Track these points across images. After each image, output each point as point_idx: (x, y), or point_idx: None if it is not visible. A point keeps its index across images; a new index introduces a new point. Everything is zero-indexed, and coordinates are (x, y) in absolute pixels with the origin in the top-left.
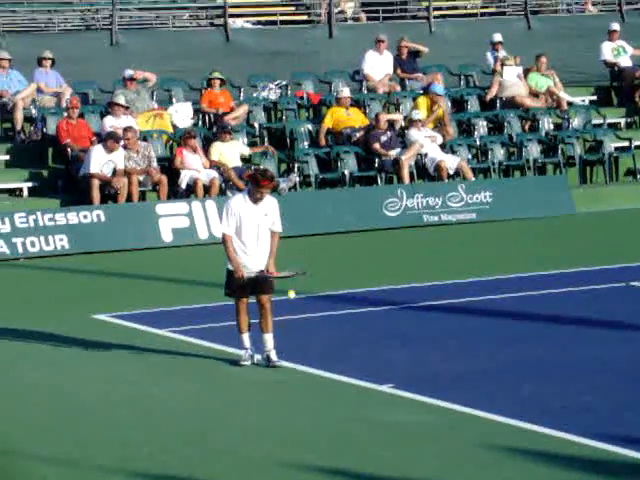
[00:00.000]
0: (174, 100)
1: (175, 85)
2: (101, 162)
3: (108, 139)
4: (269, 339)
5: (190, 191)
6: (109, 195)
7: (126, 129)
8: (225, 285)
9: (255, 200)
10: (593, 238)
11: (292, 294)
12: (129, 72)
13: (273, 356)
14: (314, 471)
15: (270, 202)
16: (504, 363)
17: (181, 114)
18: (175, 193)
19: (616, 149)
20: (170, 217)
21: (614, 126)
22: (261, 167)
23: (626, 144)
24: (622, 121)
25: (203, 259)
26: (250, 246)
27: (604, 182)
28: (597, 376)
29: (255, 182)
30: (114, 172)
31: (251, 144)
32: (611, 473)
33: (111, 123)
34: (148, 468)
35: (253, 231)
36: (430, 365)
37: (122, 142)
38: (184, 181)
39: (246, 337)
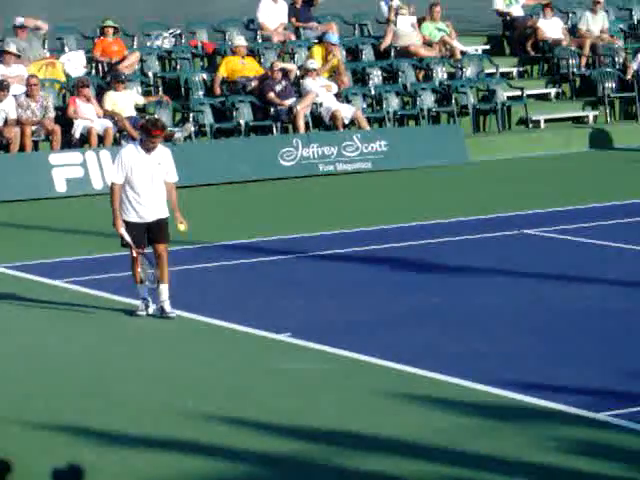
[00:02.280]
0: (66, 49)
1: (67, 33)
2: None
3: None
4: (164, 289)
5: (84, 141)
6: (1, 145)
7: (29, 77)
8: (121, 237)
9: (147, 150)
10: (487, 186)
11: (182, 227)
12: (20, 20)
13: (167, 307)
14: (213, 420)
15: (163, 152)
16: (400, 311)
17: (74, 63)
18: (68, 143)
19: (508, 98)
20: (64, 167)
21: (506, 75)
22: (152, 117)
23: (518, 93)
24: (514, 70)
25: (97, 209)
26: (144, 196)
27: (497, 131)
28: (491, 323)
29: (146, 132)
30: (5, 121)
31: (145, 93)
32: (505, 418)
33: (2, 72)
34: (45, 419)
35: (147, 181)
36: (326, 314)
37: (13, 90)
38: (77, 131)
39: (142, 287)
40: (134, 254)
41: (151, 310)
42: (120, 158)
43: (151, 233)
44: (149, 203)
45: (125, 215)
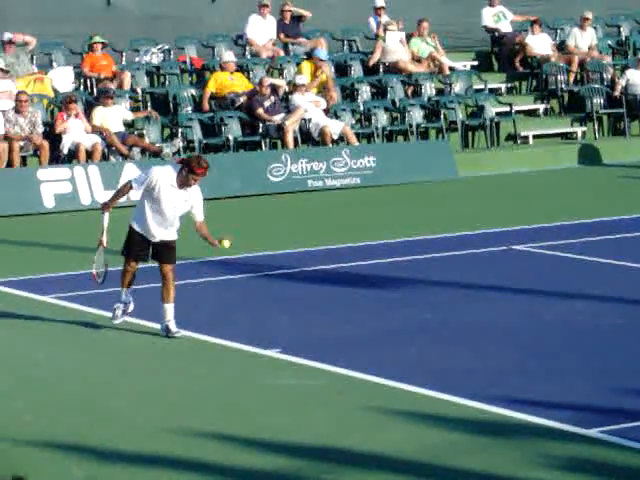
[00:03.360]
0: (55, 64)
1: (56, 49)
2: None
3: None
4: (169, 309)
5: (72, 156)
6: None
7: (19, 93)
8: (124, 243)
9: (182, 185)
10: (475, 202)
11: (227, 243)
12: (8, 35)
13: (172, 326)
14: (203, 437)
15: (195, 192)
16: (388, 327)
17: (62, 78)
18: (57, 158)
19: (497, 114)
20: (52, 182)
21: (495, 91)
22: (198, 155)
23: (507, 109)
24: (503, 86)
25: (86, 225)
26: (159, 220)
27: (485, 147)
28: (480, 339)
29: (190, 169)
30: None
31: (134, 109)
32: (494, 433)
33: None
34: (33, 435)
35: (169, 210)
36: (316, 330)
37: (1, 106)
38: (66, 146)
39: (125, 291)
40: (100, 244)
41: (129, 309)
42: (151, 175)
43: (156, 252)
44: (161, 227)
45: (135, 222)
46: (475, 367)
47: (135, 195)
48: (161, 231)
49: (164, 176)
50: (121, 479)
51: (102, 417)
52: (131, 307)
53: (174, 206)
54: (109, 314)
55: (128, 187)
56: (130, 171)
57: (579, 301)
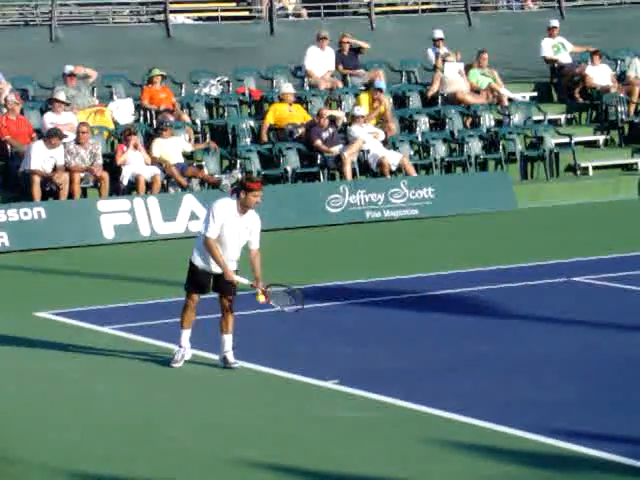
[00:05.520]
0: (115, 96)
1: (116, 81)
2: (42, 158)
3: (51, 136)
4: (228, 340)
5: (132, 188)
6: (50, 192)
7: (80, 125)
8: (187, 279)
9: (245, 208)
10: (534, 233)
11: (262, 298)
12: (69, 68)
13: (230, 357)
14: (260, 468)
15: (254, 218)
16: (448, 358)
17: (122, 110)
18: (116, 190)
19: (556, 145)
20: (112, 214)
21: (554, 122)
22: (245, 174)
23: (566, 140)
24: (562, 117)
25: (145, 256)
26: (224, 252)
27: (545, 178)
28: (540, 371)
29: (246, 189)
30: (55, 168)
31: (193, 141)
32: (554, 466)
33: (51, 119)
34: (92, 467)
35: (232, 240)
36: (374, 361)
37: (65, 138)
38: (126, 178)
39: (186, 334)
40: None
41: (187, 356)
42: (214, 212)
43: (217, 283)
44: (225, 257)
45: (195, 258)
46: (534, 399)
47: (195, 227)
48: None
49: (227, 208)
50: None
51: (160, 449)
52: (189, 354)
53: (238, 235)
54: (167, 345)
55: (213, 242)
56: (189, 203)
57: (639, 333)
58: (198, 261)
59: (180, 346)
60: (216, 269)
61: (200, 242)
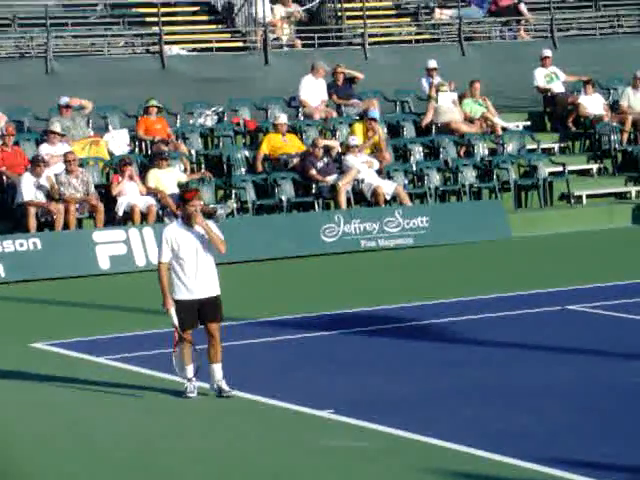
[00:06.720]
0: (110, 127)
1: (111, 112)
2: (33, 189)
3: (34, 164)
4: (218, 369)
5: (127, 218)
6: (46, 222)
7: (67, 153)
8: (177, 320)
9: (189, 221)
10: (529, 262)
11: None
12: (65, 99)
13: (224, 386)
14: None
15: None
16: (442, 387)
17: (117, 141)
18: (112, 220)
19: (550, 174)
20: (107, 244)
21: (548, 151)
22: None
23: (560, 169)
24: (556, 146)
25: (141, 286)
26: (190, 270)
27: (539, 206)
28: (535, 400)
29: (182, 200)
30: (48, 195)
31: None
32: None
33: (47, 151)
34: None
35: (192, 255)
36: (369, 390)
37: (50, 164)
38: (121, 208)
39: (190, 369)
40: (178, 337)
41: (197, 387)
42: (163, 238)
43: (203, 312)
44: (197, 277)
45: (175, 294)
46: (531, 428)
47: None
48: (200, 283)
49: (173, 229)
50: None
51: (156, 478)
52: (197, 385)
53: (195, 248)
54: (163, 375)
55: (161, 266)
56: None
57: (635, 361)
58: (180, 294)
59: (187, 380)
60: (200, 294)
61: (173, 280)
